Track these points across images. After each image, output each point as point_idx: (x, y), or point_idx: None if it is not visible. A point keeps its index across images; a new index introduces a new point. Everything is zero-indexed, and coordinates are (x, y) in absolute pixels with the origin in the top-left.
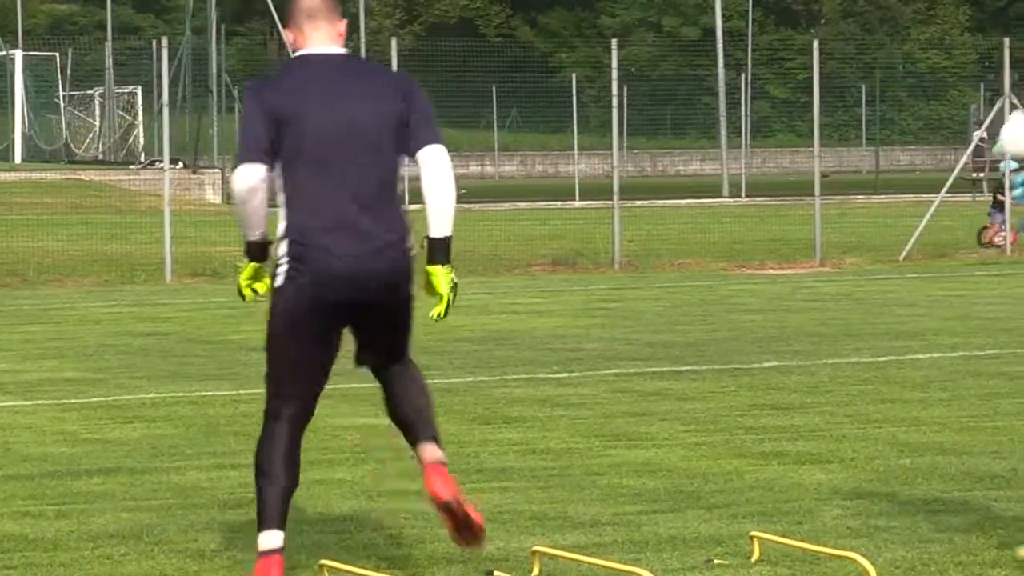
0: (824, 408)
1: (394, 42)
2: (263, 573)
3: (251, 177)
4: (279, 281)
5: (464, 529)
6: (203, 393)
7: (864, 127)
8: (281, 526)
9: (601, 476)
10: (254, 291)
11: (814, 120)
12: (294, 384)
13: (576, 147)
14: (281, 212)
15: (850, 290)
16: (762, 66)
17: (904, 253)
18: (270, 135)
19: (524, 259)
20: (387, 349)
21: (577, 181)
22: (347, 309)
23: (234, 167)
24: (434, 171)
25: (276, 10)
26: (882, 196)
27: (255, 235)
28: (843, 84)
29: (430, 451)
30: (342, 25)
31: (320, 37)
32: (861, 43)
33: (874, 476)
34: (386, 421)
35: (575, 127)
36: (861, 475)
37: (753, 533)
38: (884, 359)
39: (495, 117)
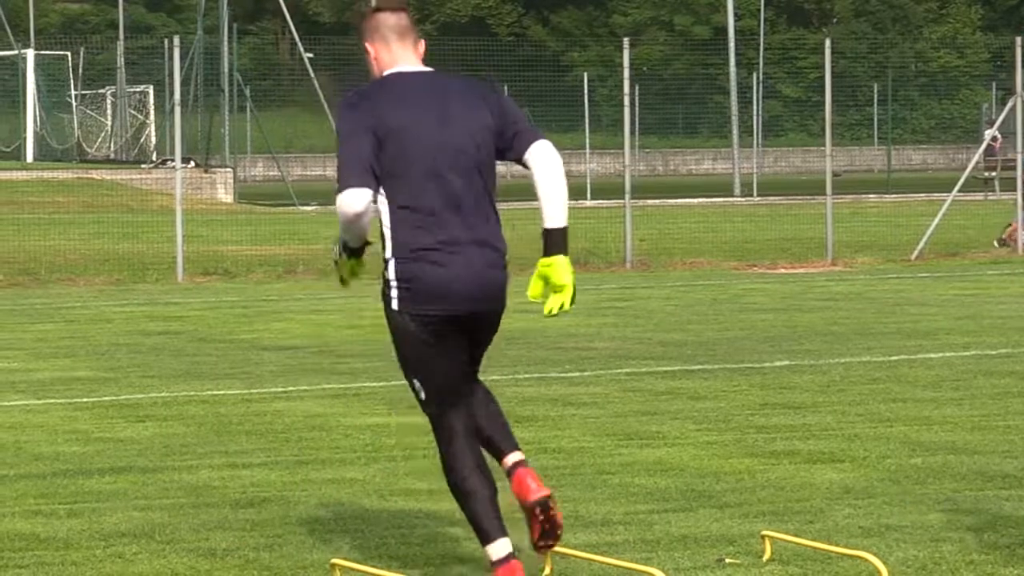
0: (835, 407)
1: None
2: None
3: (359, 202)
4: (395, 305)
5: (550, 529)
6: (215, 392)
7: (876, 126)
8: (504, 533)
9: (613, 475)
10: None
11: (826, 119)
12: (455, 393)
13: (588, 146)
14: (387, 230)
15: (862, 289)
16: (774, 65)
17: (916, 252)
18: (375, 155)
19: (535, 258)
20: (475, 362)
21: (589, 180)
22: (463, 321)
23: (338, 190)
24: (547, 165)
25: (288, 9)
26: (894, 195)
27: (359, 244)
28: (855, 83)
29: (517, 455)
30: (423, 45)
31: (409, 55)
32: (873, 42)
33: (886, 475)
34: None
35: (587, 126)
36: (873, 474)
37: (764, 532)
38: (896, 358)
39: None
